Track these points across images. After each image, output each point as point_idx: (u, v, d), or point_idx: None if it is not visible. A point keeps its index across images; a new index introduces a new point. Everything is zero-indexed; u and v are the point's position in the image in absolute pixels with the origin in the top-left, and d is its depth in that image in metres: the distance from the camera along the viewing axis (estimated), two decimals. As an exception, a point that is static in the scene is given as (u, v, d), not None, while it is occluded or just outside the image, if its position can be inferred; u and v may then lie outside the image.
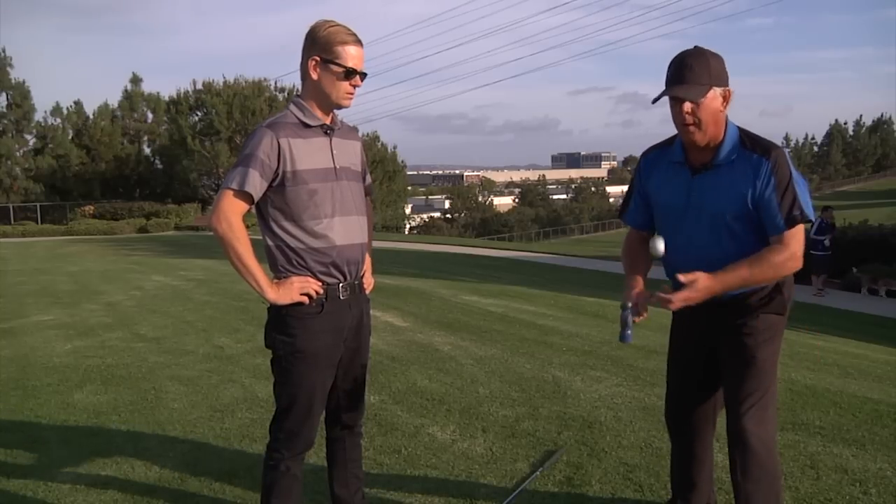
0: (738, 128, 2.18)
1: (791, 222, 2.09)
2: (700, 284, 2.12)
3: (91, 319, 7.54)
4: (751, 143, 2.14)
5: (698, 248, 2.24)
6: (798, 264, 2.13)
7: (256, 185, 2.15)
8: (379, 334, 6.10)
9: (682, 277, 2.13)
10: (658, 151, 2.34)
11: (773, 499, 2.24)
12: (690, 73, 2.08)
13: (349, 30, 2.22)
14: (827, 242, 13.49)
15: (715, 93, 2.09)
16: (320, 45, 2.19)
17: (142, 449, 3.54)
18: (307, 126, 2.23)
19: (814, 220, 2.15)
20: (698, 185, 2.21)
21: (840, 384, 4.63)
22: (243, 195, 2.16)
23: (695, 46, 2.16)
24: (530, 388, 4.48)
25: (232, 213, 2.16)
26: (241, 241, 2.17)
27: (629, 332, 2.30)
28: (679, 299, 2.14)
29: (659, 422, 3.79)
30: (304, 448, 2.33)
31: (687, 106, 2.09)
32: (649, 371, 4.88)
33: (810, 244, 13.50)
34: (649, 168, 2.36)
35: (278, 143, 2.16)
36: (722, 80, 2.11)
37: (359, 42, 2.22)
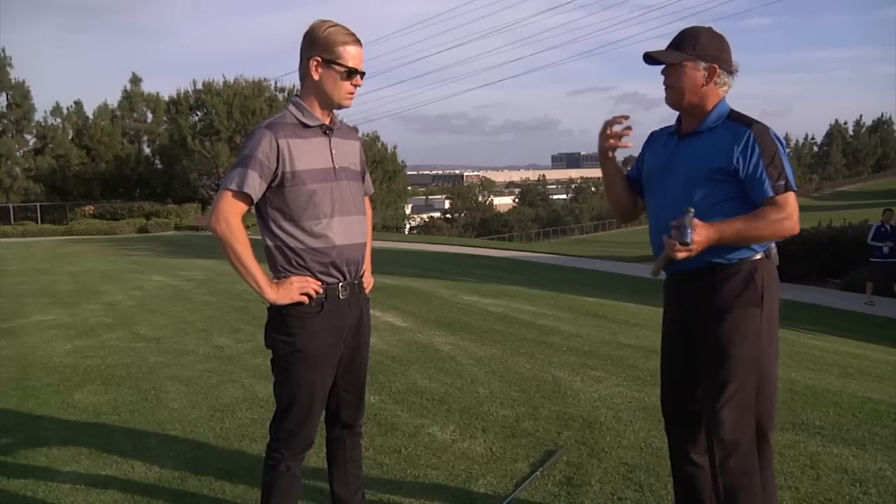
0: (732, 108, 2.28)
1: (777, 189, 2.15)
2: (699, 233, 2.13)
3: (91, 319, 7.54)
4: (736, 117, 2.24)
5: (668, 210, 2.25)
6: (794, 226, 2.17)
7: (255, 185, 2.15)
8: (379, 334, 6.11)
9: (674, 222, 2.15)
10: (664, 127, 2.47)
11: (752, 496, 2.20)
12: (677, 41, 2.26)
13: (348, 30, 2.22)
14: (886, 249, 12.58)
15: (696, 64, 2.22)
16: (321, 46, 2.19)
17: (142, 449, 3.54)
18: (306, 126, 2.23)
19: (796, 189, 2.20)
20: (680, 150, 2.31)
21: (840, 384, 4.63)
22: (242, 196, 2.16)
23: (700, 25, 2.30)
24: (530, 388, 4.49)
25: (231, 213, 2.16)
26: (240, 241, 2.17)
27: (689, 231, 2.14)
28: (676, 249, 2.14)
29: (659, 422, 3.77)
30: (304, 448, 2.33)
31: (663, 68, 2.28)
32: (649, 371, 4.88)
33: (869, 250, 12.97)
34: (651, 141, 2.49)
35: (277, 143, 2.16)
36: (710, 56, 2.22)
37: (358, 42, 2.23)
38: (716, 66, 2.22)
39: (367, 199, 2.48)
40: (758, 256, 2.24)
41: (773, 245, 2.30)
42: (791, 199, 2.17)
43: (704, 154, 2.23)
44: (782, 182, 2.15)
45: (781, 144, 2.20)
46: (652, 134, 2.51)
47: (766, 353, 2.25)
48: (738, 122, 2.21)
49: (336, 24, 2.22)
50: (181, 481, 3.13)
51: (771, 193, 2.15)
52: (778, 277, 2.32)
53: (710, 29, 2.28)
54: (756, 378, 2.22)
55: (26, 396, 4.52)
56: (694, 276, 2.27)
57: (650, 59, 2.27)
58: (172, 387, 4.67)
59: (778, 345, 2.32)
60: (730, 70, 2.27)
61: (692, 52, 2.22)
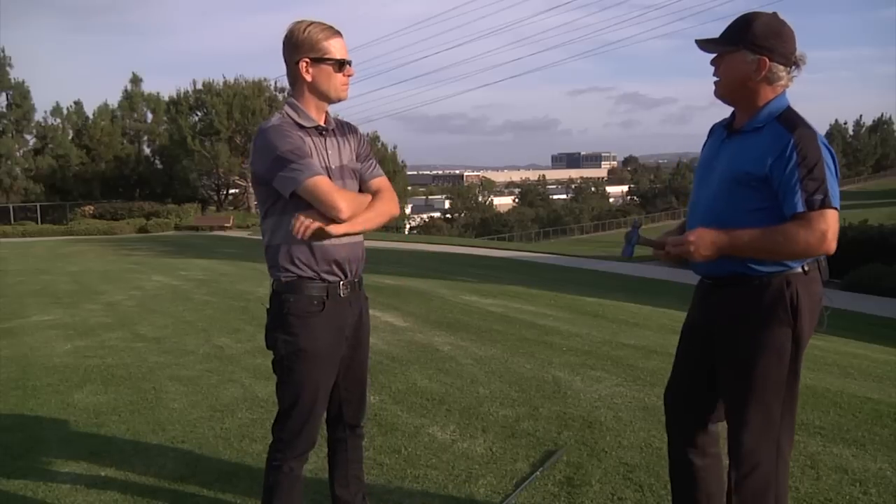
0: (790, 106, 2.09)
1: (811, 205, 1.94)
2: (700, 233, 2.04)
3: (91, 319, 7.54)
4: (785, 118, 2.05)
5: (701, 210, 2.17)
6: (824, 247, 1.96)
7: (318, 166, 2.17)
8: (379, 334, 6.10)
9: (670, 240, 2.12)
10: (723, 119, 2.31)
11: None
12: (727, 29, 2.11)
13: (326, 24, 2.25)
14: None
15: (743, 55, 2.05)
16: (306, 47, 2.20)
17: (142, 449, 3.54)
18: (301, 127, 2.25)
19: (838, 207, 1.95)
20: (724, 147, 2.18)
21: (840, 384, 4.63)
22: (322, 178, 2.15)
23: (761, 11, 2.12)
24: (530, 388, 4.48)
25: (333, 192, 2.14)
26: (357, 199, 2.23)
27: (629, 247, 2.23)
28: (672, 242, 2.10)
29: (659, 422, 3.78)
30: (307, 448, 2.33)
31: (712, 58, 2.14)
32: (649, 371, 4.88)
33: None
34: (710, 134, 2.35)
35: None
36: (760, 48, 2.03)
37: (339, 33, 2.25)
38: (766, 58, 2.02)
39: (380, 181, 2.38)
40: (795, 271, 2.07)
41: (823, 258, 2.11)
42: (828, 216, 1.94)
43: (742, 156, 2.08)
44: (819, 197, 1.93)
45: (831, 155, 2.00)
46: (712, 127, 2.35)
47: (795, 374, 2.12)
48: (784, 125, 2.01)
49: (312, 22, 2.24)
50: (181, 481, 3.13)
51: (801, 208, 1.94)
52: (820, 293, 2.13)
53: (770, 16, 2.07)
54: (782, 401, 2.11)
55: (26, 396, 4.51)
56: (721, 282, 2.16)
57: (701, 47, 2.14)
58: (172, 387, 4.67)
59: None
60: (788, 63, 2.05)
61: (740, 42, 2.04)
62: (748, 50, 2.04)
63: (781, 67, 2.05)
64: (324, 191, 2.12)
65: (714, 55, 2.13)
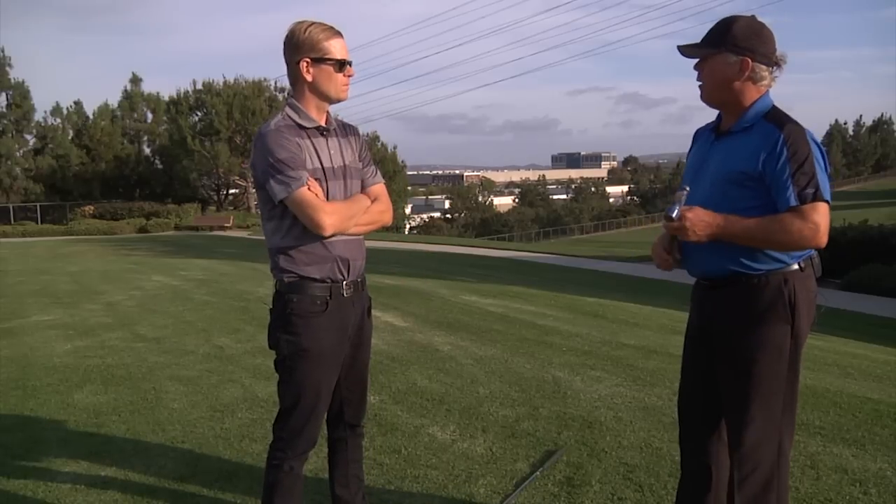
0: (774, 105, 2.12)
1: (803, 198, 1.98)
2: (697, 212, 2.04)
3: (91, 319, 7.54)
4: (773, 116, 2.08)
5: None
6: (817, 239, 1.99)
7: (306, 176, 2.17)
8: (379, 334, 6.10)
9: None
10: (708, 123, 2.33)
11: None
12: (708, 34, 2.13)
13: (327, 24, 2.25)
14: None
15: (726, 57, 2.08)
16: (307, 47, 2.21)
17: (142, 449, 3.54)
18: (302, 128, 2.25)
19: (830, 201, 1.99)
20: (713, 150, 2.20)
21: (840, 384, 4.63)
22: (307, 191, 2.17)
23: (740, 15, 2.14)
24: (530, 388, 4.49)
25: (318, 208, 2.15)
26: (345, 206, 2.23)
27: (676, 207, 2.13)
28: (672, 226, 2.09)
29: (659, 422, 3.79)
30: (308, 447, 2.32)
31: (695, 63, 2.16)
32: (649, 371, 4.88)
33: None
34: (696, 138, 2.36)
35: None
36: (741, 49, 2.06)
37: (339, 34, 2.26)
38: (748, 59, 2.06)
39: (378, 189, 2.42)
40: (792, 268, 2.09)
41: (815, 254, 2.15)
42: (819, 209, 1.98)
43: (733, 156, 2.10)
44: (811, 191, 1.97)
45: (820, 150, 2.04)
46: (697, 131, 2.38)
47: (795, 372, 2.13)
48: (772, 123, 2.05)
49: (314, 23, 2.24)
50: (181, 481, 3.13)
51: (794, 202, 1.98)
52: (815, 290, 2.16)
53: (748, 18, 2.12)
54: (783, 399, 2.11)
55: (26, 396, 4.52)
56: (718, 283, 2.16)
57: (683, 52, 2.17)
58: (172, 387, 4.67)
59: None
60: (769, 63, 2.10)
61: (721, 45, 2.07)
62: (730, 52, 2.08)
63: (764, 67, 2.10)
64: (310, 207, 2.14)
65: (697, 60, 2.15)
